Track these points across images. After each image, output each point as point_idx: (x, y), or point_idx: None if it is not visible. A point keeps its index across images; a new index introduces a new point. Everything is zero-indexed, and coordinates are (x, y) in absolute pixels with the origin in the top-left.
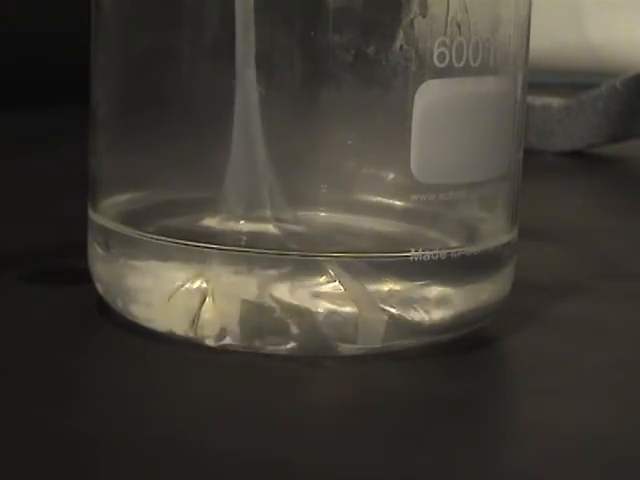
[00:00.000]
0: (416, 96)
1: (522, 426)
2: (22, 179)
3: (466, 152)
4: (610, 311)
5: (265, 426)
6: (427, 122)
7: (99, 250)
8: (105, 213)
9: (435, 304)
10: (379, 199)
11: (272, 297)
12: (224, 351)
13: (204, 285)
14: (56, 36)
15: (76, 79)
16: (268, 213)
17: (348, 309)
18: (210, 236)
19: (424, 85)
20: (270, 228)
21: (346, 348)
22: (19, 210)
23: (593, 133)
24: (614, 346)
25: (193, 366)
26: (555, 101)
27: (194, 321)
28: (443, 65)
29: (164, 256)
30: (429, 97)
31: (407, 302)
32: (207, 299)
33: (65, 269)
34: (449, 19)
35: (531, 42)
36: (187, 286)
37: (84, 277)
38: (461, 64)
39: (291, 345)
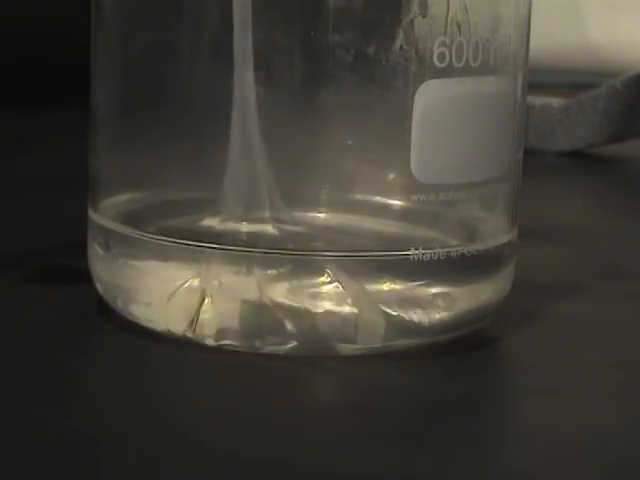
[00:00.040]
0: (416, 96)
1: (522, 426)
2: (22, 179)
3: (466, 152)
4: (610, 311)
5: (265, 426)
6: (427, 122)
7: (99, 250)
8: (105, 213)
9: (435, 304)
10: (379, 199)
11: (272, 297)
12: (224, 351)
13: (204, 285)
14: (56, 36)
15: (76, 79)
16: (268, 213)
17: (348, 309)
18: (210, 236)
19: (424, 85)
20: (270, 228)
21: (346, 348)
22: (19, 210)
23: (593, 133)
24: (614, 346)
25: (193, 366)
26: (555, 101)
27: (194, 321)
28: (443, 65)
29: (164, 256)
30: (429, 97)
31: (407, 302)
32: (207, 299)
33: (65, 269)
34: (449, 19)
35: (531, 42)
36: (187, 286)
37: (84, 277)
38: (461, 64)
39: (291, 345)
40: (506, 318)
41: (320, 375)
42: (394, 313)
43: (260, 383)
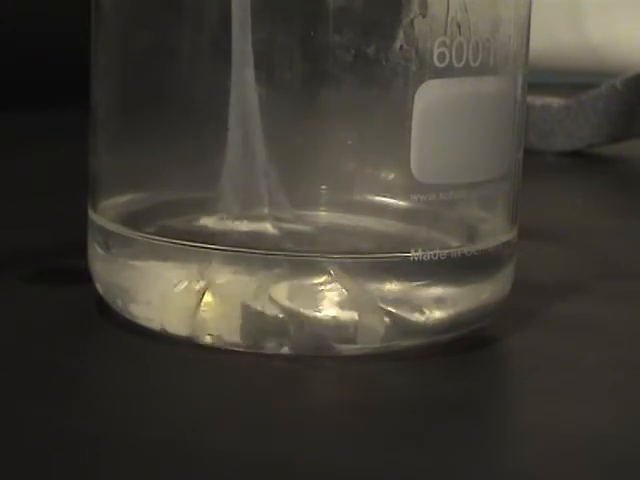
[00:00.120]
0: (416, 96)
1: (522, 426)
2: (22, 179)
3: (466, 152)
4: (610, 311)
5: (265, 426)
6: (427, 122)
7: (99, 250)
8: (105, 214)
9: (435, 304)
10: (379, 199)
11: (271, 297)
12: (224, 351)
13: (204, 285)
14: (56, 36)
15: (76, 79)
16: (267, 213)
17: (347, 309)
18: (209, 236)
19: (424, 85)
20: (269, 228)
21: (346, 348)
22: (19, 210)
23: (593, 133)
24: (614, 346)
25: (193, 366)
26: (555, 101)
27: (194, 321)
28: (443, 65)
29: (164, 256)
30: (429, 97)
31: (407, 302)
32: (206, 299)
33: (65, 269)
34: (449, 19)
35: (531, 42)
36: (187, 286)
37: (84, 277)
38: (461, 64)
39: (290, 345)
40: (506, 318)
41: (320, 375)
42: (394, 313)
43: (260, 383)
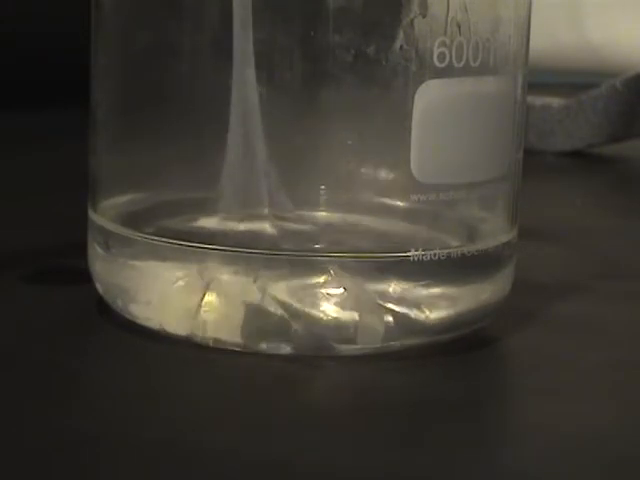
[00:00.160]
0: (416, 96)
1: (522, 426)
2: (22, 179)
3: (466, 152)
4: (610, 311)
5: (265, 426)
6: (427, 122)
7: (99, 250)
8: (105, 214)
9: (435, 304)
10: (379, 199)
11: (271, 297)
12: (224, 351)
13: (203, 285)
14: (56, 36)
15: (76, 79)
16: (267, 213)
17: (348, 309)
18: (209, 236)
19: (424, 85)
20: (269, 228)
21: (346, 348)
22: (19, 210)
23: (593, 133)
24: (614, 346)
25: (193, 366)
26: (555, 101)
27: (194, 321)
28: (443, 65)
29: (164, 256)
30: (429, 97)
31: (407, 302)
32: (206, 299)
33: (65, 269)
34: (449, 19)
35: (531, 42)
36: (187, 286)
37: (84, 277)
38: (461, 64)
39: (291, 345)
40: (506, 318)
41: (320, 375)
42: (394, 313)
43: (260, 383)
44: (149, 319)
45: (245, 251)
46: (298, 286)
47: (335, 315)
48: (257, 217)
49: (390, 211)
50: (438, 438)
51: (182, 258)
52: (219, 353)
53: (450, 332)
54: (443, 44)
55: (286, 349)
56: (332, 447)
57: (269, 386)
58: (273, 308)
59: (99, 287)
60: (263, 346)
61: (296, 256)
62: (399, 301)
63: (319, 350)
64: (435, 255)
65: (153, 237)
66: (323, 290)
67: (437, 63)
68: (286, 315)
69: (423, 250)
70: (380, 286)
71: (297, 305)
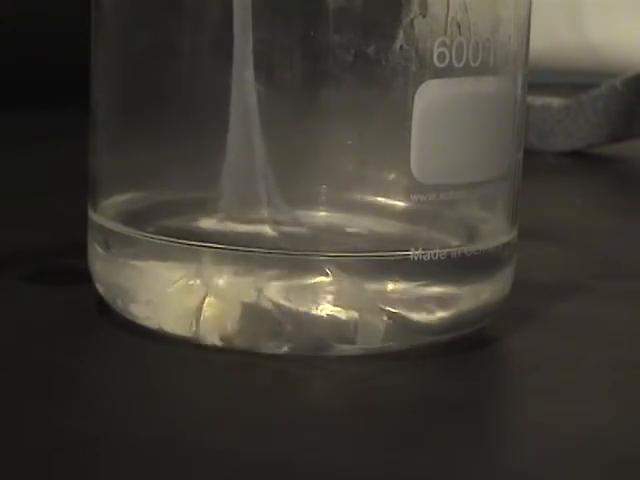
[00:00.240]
0: (416, 96)
1: (522, 426)
2: (22, 179)
3: (466, 152)
4: (610, 311)
5: (265, 426)
6: (427, 122)
7: (99, 250)
8: (105, 213)
9: (435, 304)
10: (379, 199)
11: (271, 297)
12: (224, 351)
13: (203, 285)
14: (56, 36)
15: (76, 79)
16: (267, 213)
17: (347, 310)
18: (209, 236)
19: (424, 85)
20: (269, 229)
21: (346, 348)
22: (19, 210)
23: (593, 133)
24: (614, 346)
25: (193, 366)
26: (555, 101)
27: (193, 321)
28: (443, 65)
29: (164, 256)
30: (429, 97)
31: (407, 302)
32: (206, 299)
33: (65, 269)
34: (449, 19)
35: (531, 42)
36: (186, 286)
37: (84, 277)
38: (461, 64)
39: (290, 345)
40: (506, 318)
41: (320, 375)
42: (394, 313)
43: (260, 383)
44: (148, 318)
45: (244, 250)
46: (297, 286)
47: (335, 315)
48: (257, 217)
49: (390, 211)
50: (438, 438)
51: (182, 258)
52: (219, 353)
53: (450, 332)
54: (443, 44)
55: (286, 349)
56: (332, 447)
57: (269, 386)
58: (272, 308)
59: (99, 287)
60: (263, 346)
61: (295, 256)
62: (399, 301)
63: (319, 350)
64: (435, 255)
65: (153, 237)
66: (323, 290)
67: (437, 63)
68: (286, 315)
69: (423, 250)
70: (380, 286)
71: (297, 305)
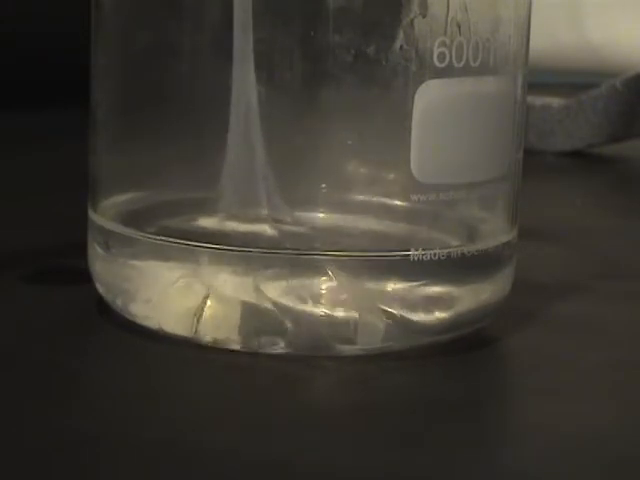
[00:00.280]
0: (416, 96)
1: (522, 426)
2: (22, 179)
3: (466, 152)
4: (610, 311)
5: (265, 426)
6: (427, 122)
7: (99, 250)
8: (105, 213)
9: (435, 304)
10: (379, 199)
11: (271, 297)
12: (224, 351)
13: (203, 285)
14: (56, 36)
15: (76, 79)
16: (267, 213)
17: (347, 310)
18: (209, 236)
19: (424, 85)
20: (269, 229)
21: (346, 348)
22: (19, 210)
23: (593, 133)
24: (614, 346)
25: (193, 366)
26: (555, 101)
27: (193, 321)
28: (443, 65)
29: (164, 256)
30: (429, 97)
31: (407, 302)
32: (206, 299)
33: (65, 269)
34: (449, 19)
35: (531, 42)
36: (187, 286)
37: (84, 277)
38: (461, 64)
39: (290, 345)
40: (506, 318)
41: (320, 375)
42: (394, 313)
43: (260, 383)
44: (148, 318)
45: (244, 251)
46: (298, 286)
47: (335, 315)
48: (257, 217)
49: (390, 211)
50: (438, 438)
51: (182, 258)
52: (219, 353)
53: (450, 332)
54: (443, 44)
55: (286, 349)
56: (332, 447)
57: (269, 386)
58: (272, 308)
59: (99, 287)
60: (263, 346)
61: (295, 256)
62: (399, 301)
63: (319, 350)
64: (435, 255)
65: (153, 237)
66: (323, 290)
67: (437, 63)
68: (286, 315)
69: (423, 250)
70: (380, 286)
71: (297, 305)
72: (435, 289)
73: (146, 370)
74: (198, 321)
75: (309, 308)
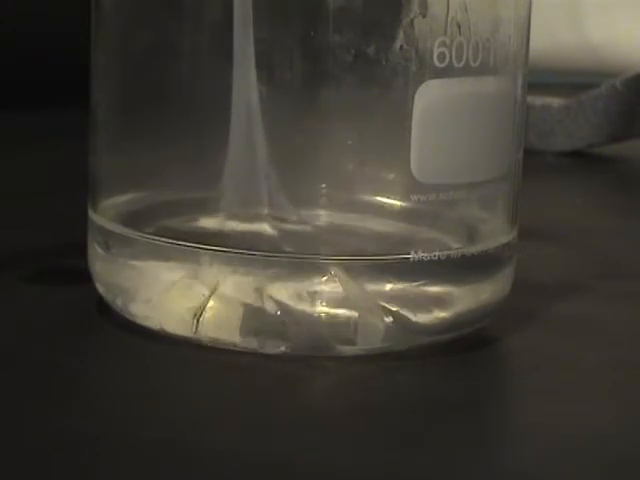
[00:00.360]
0: (416, 96)
1: (522, 426)
2: (22, 179)
3: (466, 152)
4: (610, 311)
5: (265, 426)
6: (427, 122)
7: (99, 250)
8: (105, 213)
9: (435, 304)
10: (379, 199)
11: (271, 298)
12: (224, 351)
13: (204, 285)
14: (56, 36)
15: (76, 79)
16: (267, 214)
17: (348, 310)
18: (209, 237)
19: (424, 85)
20: (269, 229)
21: (346, 349)
22: (19, 210)
23: (593, 133)
24: (614, 346)
25: (193, 366)
26: (555, 101)
27: (193, 321)
28: (443, 65)
29: (164, 256)
30: (429, 97)
31: (407, 302)
32: (206, 299)
33: (65, 269)
34: (449, 19)
35: (531, 42)
36: (186, 286)
37: (84, 277)
38: (461, 64)
39: (290, 345)
40: (506, 318)
41: (320, 375)
42: (394, 313)
43: (260, 383)
44: (148, 318)
45: (245, 252)
46: (298, 287)
47: (335, 315)
48: (257, 218)
49: (390, 211)
50: (438, 438)
51: (182, 258)
52: (219, 353)
53: (450, 332)
54: (443, 44)
55: (286, 349)
56: (332, 447)
57: (269, 386)
58: (273, 308)
59: (99, 287)
60: (263, 346)
61: (296, 257)
62: (399, 301)
63: (319, 350)
64: (435, 255)
65: (153, 237)
66: (323, 290)
67: (437, 63)
68: (286, 315)
69: (423, 250)
70: (380, 286)
71: (297, 305)
72: (435, 289)
73: (146, 370)
74: (198, 321)
75: (309, 308)
